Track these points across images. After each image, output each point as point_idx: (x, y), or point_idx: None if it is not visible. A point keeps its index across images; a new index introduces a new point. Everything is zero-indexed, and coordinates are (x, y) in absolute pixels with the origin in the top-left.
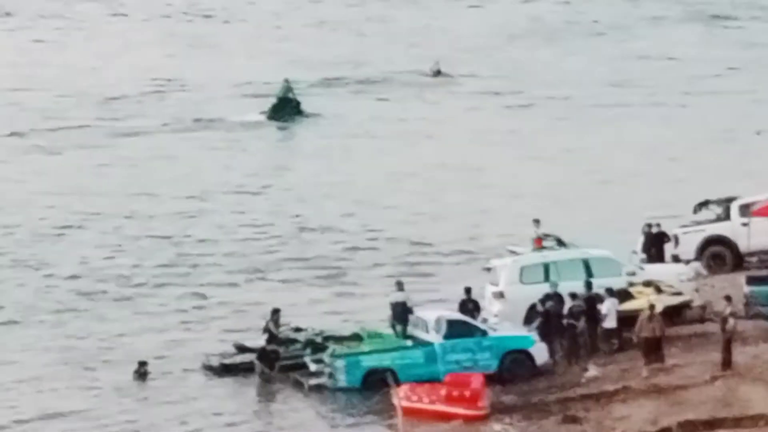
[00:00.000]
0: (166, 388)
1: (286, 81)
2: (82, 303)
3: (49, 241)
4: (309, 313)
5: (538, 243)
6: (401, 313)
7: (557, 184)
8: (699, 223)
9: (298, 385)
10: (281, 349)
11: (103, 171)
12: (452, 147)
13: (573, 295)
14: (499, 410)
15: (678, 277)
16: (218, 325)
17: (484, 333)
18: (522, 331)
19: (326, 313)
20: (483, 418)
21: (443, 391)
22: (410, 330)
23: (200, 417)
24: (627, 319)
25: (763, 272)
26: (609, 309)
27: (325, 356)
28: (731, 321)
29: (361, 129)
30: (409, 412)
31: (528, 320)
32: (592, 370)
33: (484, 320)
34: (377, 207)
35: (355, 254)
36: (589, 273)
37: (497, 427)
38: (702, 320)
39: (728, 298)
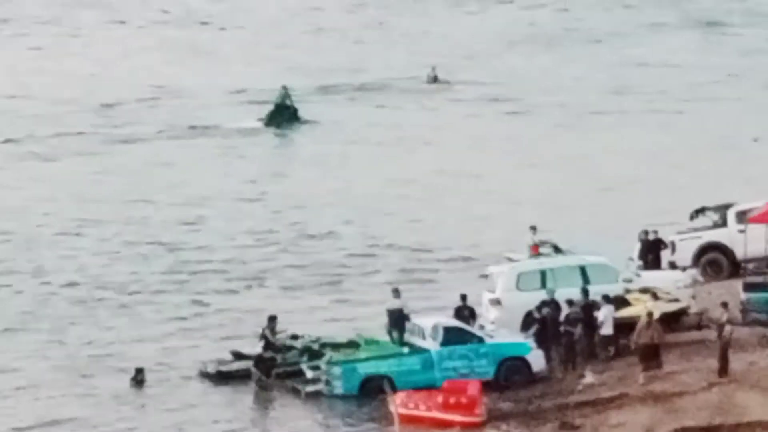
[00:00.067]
0: (163, 395)
1: (284, 88)
2: (79, 310)
3: (46, 248)
4: (306, 320)
5: (535, 250)
6: (398, 320)
7: (555, 191)
8: (696, 229)
9: (294, 392)
10: (278, 356)
11: (101, 178)
12: (450, 153)
13: (570, 302)
14: (495, 417)
15: (675, 284)
16: (215, 332)
17: (480, 340)
18: (519, 338)
19: (323, 320)
20: (480, 425)
21: (440, 398)
22: (407, 337)
23: (197, 424)
24: (624, 326)
25: (760, 279)
26: (606, 316)
27: (322, 363)
28: (728, 328)
29: (358, 136)
30: (406, 420)
31: (525, 327)
32: (589, 377)
33: (481, 327)
34: (374, 214)
35: (352, 261)
36: (585, 280)
37: None
38: (699, 327)
39: (725, 305)
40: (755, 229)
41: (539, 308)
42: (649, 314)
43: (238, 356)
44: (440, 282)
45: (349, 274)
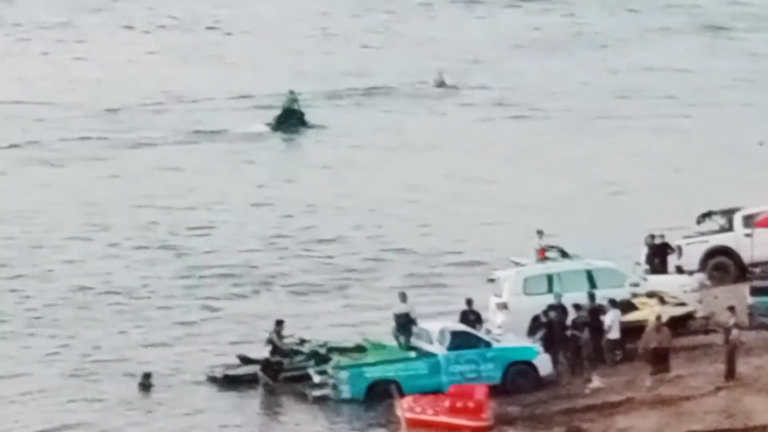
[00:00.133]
0: (171, 399)
1: (291, 92)
2: (86, 315)
3: (54, 253)
4: (313, 324)
5: (542, 254)
6: (405, 324)
7: (561, 195)
8: (702, 233)
9: (301, 396)
10: (285, 361)
11: (108, 183)
12: (457, 158)
13: (576, 306)
14: (502, 422)
15: (681, 288)
16: (222, 337)
17: (487, 344)
18: (526, 343)
19: (330, 324)
20: (487, 430)
21: (447, 403)
22: (414, 341)
23: (204, 429)
24: (630, 330)
25: (767, 283)
26: (612, 320)
27: (329, 367)
28: (735, 332)
29: (365, 140)
30: (412, 424)
31: (531, 331)
32: (596, 381)
33: (488, 331)
34: (381, 218)
35: (359, 265)
36: (592, 284)
37: None
38: (706, 331)
39: (732, 309)
40: (762, 233)
41: (546, 312)
42: (658, 318)
43: (245, 361)
44: (447, 286)
45: (356, 278)
